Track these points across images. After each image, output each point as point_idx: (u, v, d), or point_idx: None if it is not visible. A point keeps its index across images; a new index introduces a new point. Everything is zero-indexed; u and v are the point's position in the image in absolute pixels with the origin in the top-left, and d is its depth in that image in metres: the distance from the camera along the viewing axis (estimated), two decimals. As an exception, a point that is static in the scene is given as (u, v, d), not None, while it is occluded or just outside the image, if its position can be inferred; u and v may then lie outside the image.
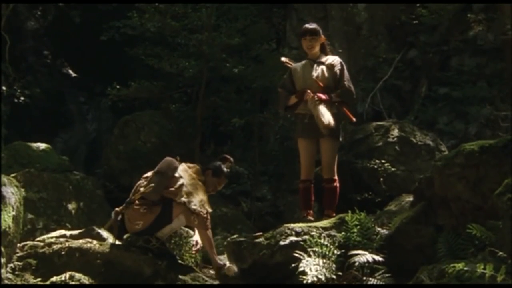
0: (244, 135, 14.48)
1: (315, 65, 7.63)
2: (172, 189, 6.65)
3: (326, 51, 7.83)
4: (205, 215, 6.66)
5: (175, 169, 6.79)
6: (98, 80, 16.71)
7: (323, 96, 7.38)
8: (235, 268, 6.57)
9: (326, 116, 7.25)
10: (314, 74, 7.56)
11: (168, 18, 13.46)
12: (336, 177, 7.50)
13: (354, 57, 13.81)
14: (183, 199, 6.60)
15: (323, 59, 7.69)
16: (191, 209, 6.59)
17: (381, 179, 10.50)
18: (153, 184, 6.65)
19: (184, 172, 6.81)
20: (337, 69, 7.60)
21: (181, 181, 6.70)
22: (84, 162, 15.81)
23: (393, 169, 10.58)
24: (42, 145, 11.96)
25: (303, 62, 7.78)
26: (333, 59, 7.69)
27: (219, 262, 6.75)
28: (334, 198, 7.49)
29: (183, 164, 6.95)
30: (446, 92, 13.46)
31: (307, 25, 7.89)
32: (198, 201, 6.65)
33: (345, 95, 7.57)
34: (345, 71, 7.66)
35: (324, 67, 7.59)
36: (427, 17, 14.17)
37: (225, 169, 7.12)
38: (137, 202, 6.69)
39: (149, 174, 6.90)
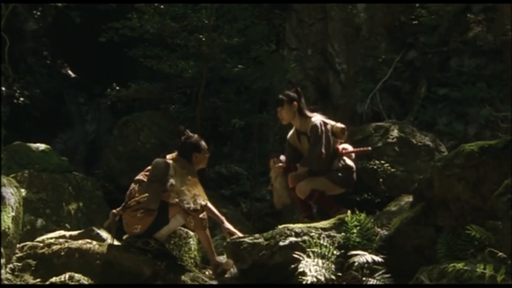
0: (243, 136, 14.49)
1: (300, 136, 7.58)
2: (166, 192, 6.66)
3: (306, 114, 7.57)
4: (201, 215, 6.63)
5: (168, 171, 6.78)
6: (97, 81, 16.72)
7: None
8: (231, 262, 6.62)
9: (279, 193, 7.43)
10: (299, 146, 7.57)
11: (168, 19, 13.46)
12: (311, 195, 7.38)
13: (353, 58, 13.82)
14: (176, 200, 6.59)
15: (307, 124, 7.50)
16: (185, 209, 6.57)
17: (381, 180, 10.50)
18: (151, 194, 6.66)
19: (172, 170, 6.79)
20: (310, 134, 7.45)
21: (170, 181, 6.69)
22: (83, 163, 15.82)
23: (392, 169, 10.58)
24: (42, 146, 11.96)
25: (292, 131, 7.74)
26: (311, 127, 7.42)
27: (218, 260, 6.74)
28: (325, 206, 7.46)
29: (169, 160, 6.92)
30: (446, 93, 13.46)
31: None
32: (190, 197, 6.60)
33: (307, 162, 7.42)
34: (317, 135, 7.35)
35: (305, 138, 7.50)
36: (426, 18, 14.16)
37: (197, 139, 7.08)
38: (133, 207, 6.70)
39: (140, 176, 6.89)
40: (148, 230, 6.67)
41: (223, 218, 7.04)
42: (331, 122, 7.58)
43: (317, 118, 7.49)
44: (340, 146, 7.57)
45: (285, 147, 7.90)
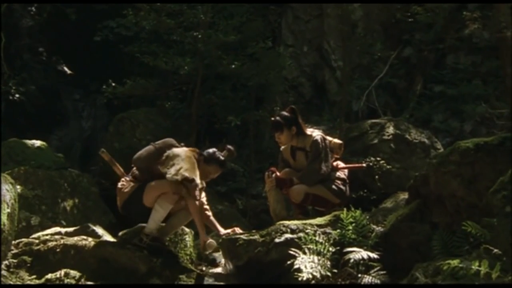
0: (239, 133, 14.49)
1: (296, 152, 7.47)
2: (161, 161, 6.67)
3: (304, 132, 7.43)
4: (193, 185, 6.58)
5: (170, 146, 6.79)
6: (93, 78, 16.68)
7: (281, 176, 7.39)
8: (214, 243, 6.65)
9: (273, 206, 7.35)
10: (293, 162, 7.50)
11: (163, 16, 13.45)
12: (305, 199, 7.36)
13: (349, 55, 13.82)
14: (166, 169, 6.57)
15: (306, 140, 7.41)
16: (167, 178, 6.52)
17: (376, 177, 10.54)
18: (141, 152, 6.78)
19: (178, 148, 6.80)
20: (310, 150, 7.37)
21: (168, 152, 6.68)
22: (79, 159, 15.79)
23: (388, 166, 10.61)
24: (37, 142, 11.96)
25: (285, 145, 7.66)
26: (311, 142, 7.34)
27: (205, 237, 6.72)
28: (320, 205, 7.45)
29: (187, 148, 6.93)
30: (442, 90, 13.50)
31: (272, 119, 7.69)
32: (176, 169, 6.51)
33: (304, 178, 7.30)
34: (318, 150, 7.29)
35: (303, 154, 7.40)
36: (422, 15, 14.19)
37: (219, 157, 6.96)
38: (122, 179, 6.87)
39: None
40: (126, 206, 6.74)
41: (220, 228, 7.02)
42: (328, 138, 7.56)
43: (317, 133, 7.43)
44: (334, 163, 7.56)
45: (279, 158, 7.86)
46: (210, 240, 6.70)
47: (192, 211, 6.73)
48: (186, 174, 6.50)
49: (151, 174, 6.69)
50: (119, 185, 6.85)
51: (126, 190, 6.74)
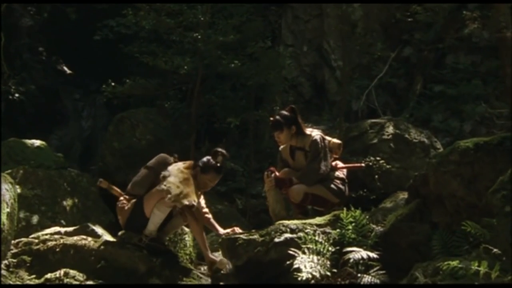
0: (239, 133, 14.48)
1: (295, 151, 7.45)
2: (158, 182, 6.66)
3: (304, 132, 7.41)
4: (192, 209, 6.60)
5: (166, 165, 6.78)
6: (93, 77, 16.69)
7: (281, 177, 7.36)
8: (225, 261, 6.61)
9: (272, 207, 7.35)
10: (292, 162, 7.48)
11: (163, 16, 13.45)
12: (304, 199, 7.35)
13: (349, 54, 13.82)
14: (163, 186, 6.58)
15: (305, 140, 7.39)
16: (166, 201, 6.53)
17: (376, 177, 10.53)
18: (137, 178, 6.72)
19: (173, 167, 6.79)
20: (309, 149, 7.35)
21: (163, 173, 6.67)
22: (79, 159, 15.80)
23: (388, 166, 10.61)
24: (37, 142, 11.96)
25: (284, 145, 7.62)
26: (310, 142, 7.32)
27: (211, 257, 6.73)
28: (319, 205, 7.44)
29: (178, 162, 6.92)
30: (441, 89, 13.49)
31: (272, 118, 7.65)
32: (176, 194, 6.52)
33: (303, 177, 7.28)
34: (317, 150, 7.26)
35: (302, 154, 7.39)
36: (422, 15, 14.18)
37: (215, 164, 6.92)
38: (120, 198, 6.81)
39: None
40: (129, 223, 6.73)
41: (219, 228, 7.03)
42: (327, 137, 7.55)
43: (316, 133, 7.41)
44: (333, 163, 7.55)
45: (278, 158, 7.85)
46: (221, 258, 6.68)
47: (194, 231, 6.85)
48: (186, 202, 6.54)
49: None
50: (119, 204, 6.81)
51: (127, 208, 6.72)
